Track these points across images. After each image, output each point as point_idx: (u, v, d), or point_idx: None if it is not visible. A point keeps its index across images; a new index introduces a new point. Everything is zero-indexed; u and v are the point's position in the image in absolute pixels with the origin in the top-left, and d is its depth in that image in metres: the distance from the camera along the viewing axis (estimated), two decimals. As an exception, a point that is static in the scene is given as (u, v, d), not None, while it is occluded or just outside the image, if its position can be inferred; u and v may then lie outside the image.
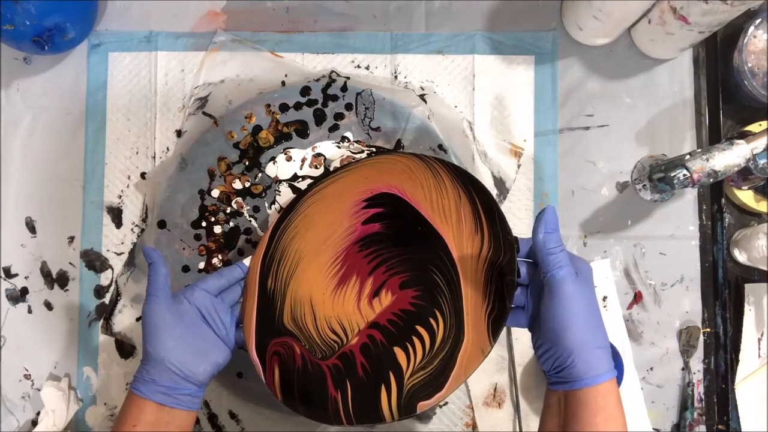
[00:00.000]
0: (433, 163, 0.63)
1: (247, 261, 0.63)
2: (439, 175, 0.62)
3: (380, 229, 0.63)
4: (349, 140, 0.73)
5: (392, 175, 0.64)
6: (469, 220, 0.60)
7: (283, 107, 0.74)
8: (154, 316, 0.56)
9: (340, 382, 0.59)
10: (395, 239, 0.62)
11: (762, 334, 0.74)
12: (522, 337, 0.73)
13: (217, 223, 0.72)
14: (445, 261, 0.60)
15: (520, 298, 0.56)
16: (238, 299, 0.63)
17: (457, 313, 0.58)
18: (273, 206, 0.73)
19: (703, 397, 0.73)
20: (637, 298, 0.74)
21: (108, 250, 0.75)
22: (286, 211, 0.65)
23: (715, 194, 0.75)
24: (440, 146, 0.73)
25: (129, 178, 0.75)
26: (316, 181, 0.65)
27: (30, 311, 0.75)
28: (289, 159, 0.73)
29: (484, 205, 0.60)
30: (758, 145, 0.63)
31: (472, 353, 0.56)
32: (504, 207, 0.74)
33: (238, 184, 0.73)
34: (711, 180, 0.63)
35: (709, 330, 0.74)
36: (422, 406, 0.56)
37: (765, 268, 0.71)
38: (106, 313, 0.74)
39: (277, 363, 0.60)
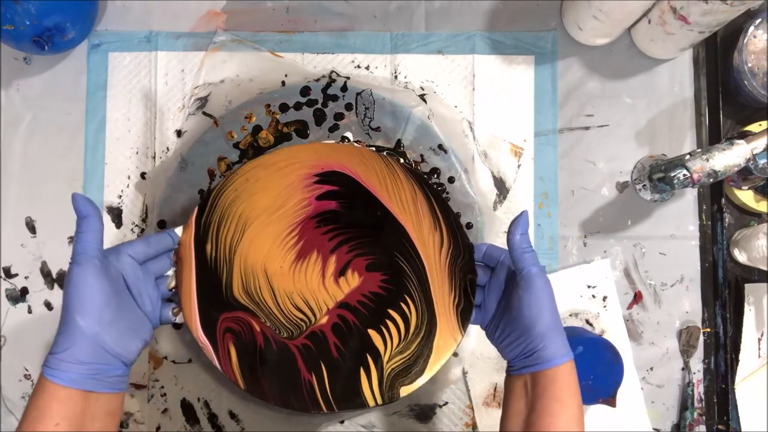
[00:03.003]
0: (385, 156, 0.64)
1: (178, 230, 0.59)
2: (392, 166, 0.63)
3: (337, 207, 0.62)
4: (349, 140, 0.73)
5: (343, 155, 0.63)
6: (427, 217, 0.61)
7: (283, 107, 0.74)
8: (89, 282, 0.47)
9: (314, 364, 0.57)
10: (354, 220, 0.62)
11: (762, 334, 0.74)
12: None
13: (217, 223, 0.72)
14: (409, 250, 0.60)
15: (477, 297, 0.60)
16: (165, 273, 0.58)
17: (427, 301, 0.59)
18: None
19: (703, 397, 0.73)
20: (637, 298, 0.74)
21: (108, 250, 0.75)
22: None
23: (715, 194, 0.75)
24: (440, 146, 0.73)
25: (129, 178, 0.75)
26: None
27: (30, 311, 0.75)
28: (289, 159, 0.73)
29: (440, 206, 0.62)
30: (758, 145, 0.63)
31: (447, 340, 0.58)
32: (504, 207, 0.74)
33: (238, 184, 0.73)
34: (711, 180, 0.63)
35: (709, 330, 0.74)
36: (405, 390, 0.57)
37: (765, 268, 0.71)
38: (106, 313, 0.74)
39: (232, 341, 0.57)
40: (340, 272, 0.60)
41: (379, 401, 0.56)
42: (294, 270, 0.60)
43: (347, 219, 0.62)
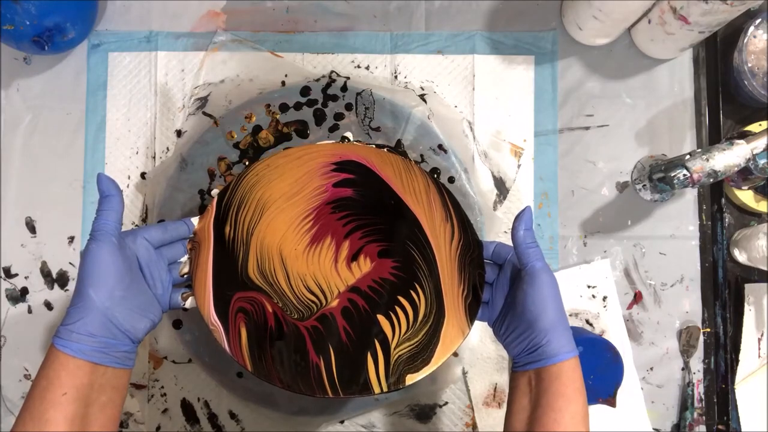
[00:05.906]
0: (399, 153, 0.64)
1: (194, 220, 0.60)
2: (408, 161, 0.64)
3: (353, 194, 0.63)
4: (349, 140, 0.73)
5: (360, 149, 0.64)
6: (439, 209, 0.62)
7: (283, 107, 0.74)
8: (105, 258, 0.49)
9: (322, 347, 0.57)
10: (368, 207, 0.62)
11: (762, 334, 0.74)
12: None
13: (217, 223, 0.72)
14: (420, 238, 0.61)
15: (485, 294, 0.60)
16: (179, 259, 0.58)
17: (436, 291, 0.59)
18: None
19: (703, 397, 0.73)
20: (637, 298, 0.74)
21: (108, 250, 0.75)
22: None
23: (715, 194, 0.75)
24: (440, 146, 0.73)
25: (129, 178, 0.75)
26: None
27: (30, 311, 0.75)
28: (289, 159, 0.73)
29: (452, 201, 0.62)
30: (758, 145, 0.63)
31: (454, 332, 0.58)
32: (504, 207, 0.74)
33: (238, 184, 0.73)
34: (711, 180, 0.63)
35: (709, 330, 0.74)
36: (411, 378, 0.56)
37: (765, 268, 0.71)
38: (106, 313, 0.74)
39: (244, 322, 0.57)
40: (353, 257, 0.61)
41: (385, 388, 0.56)
42: (308, 253, 0.61)
43: (362, 206, 0.62)
